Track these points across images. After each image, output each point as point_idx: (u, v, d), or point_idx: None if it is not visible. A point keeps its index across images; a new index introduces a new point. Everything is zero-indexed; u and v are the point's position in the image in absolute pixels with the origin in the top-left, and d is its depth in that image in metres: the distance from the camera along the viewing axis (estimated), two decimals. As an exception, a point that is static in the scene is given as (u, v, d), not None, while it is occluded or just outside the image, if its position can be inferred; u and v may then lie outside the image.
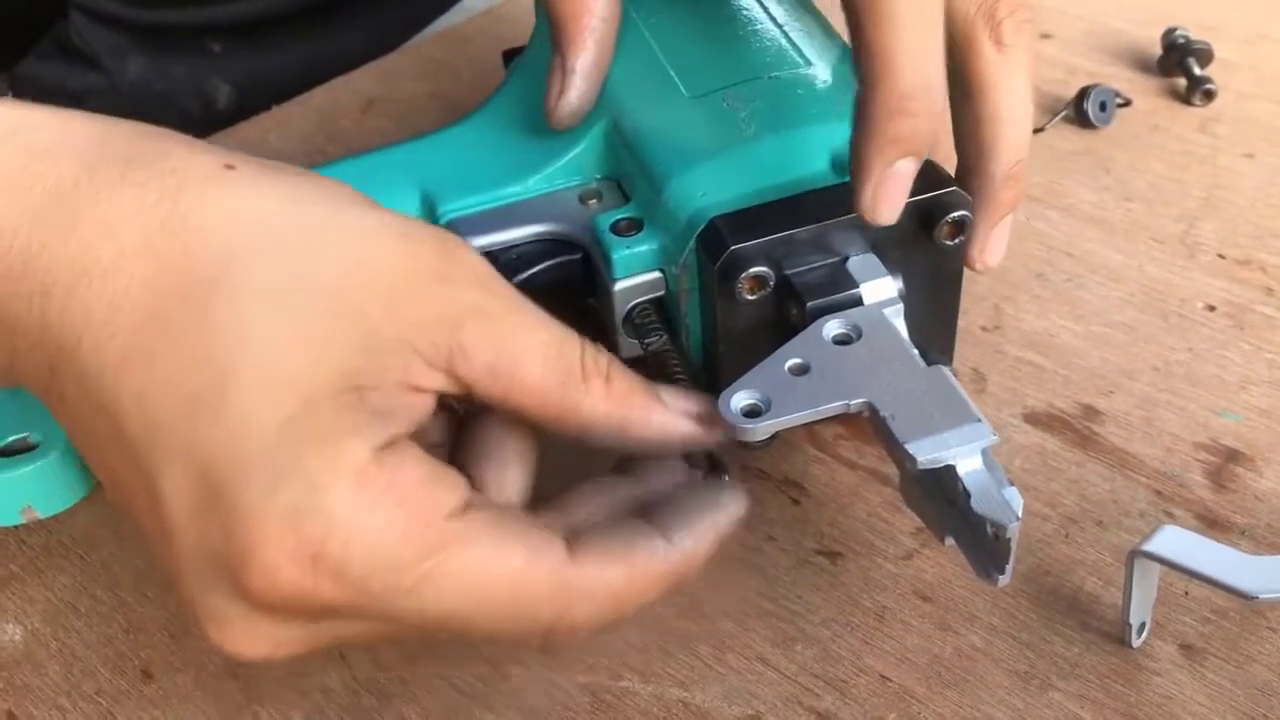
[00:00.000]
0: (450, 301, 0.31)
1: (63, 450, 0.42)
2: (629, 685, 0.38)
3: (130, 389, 0.29)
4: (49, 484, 0.43)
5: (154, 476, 0.29)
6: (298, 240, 0.30)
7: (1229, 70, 0.61)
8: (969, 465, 0.35)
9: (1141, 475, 0.43)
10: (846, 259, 0.40)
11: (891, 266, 0.40)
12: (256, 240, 0.30)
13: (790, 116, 0.41)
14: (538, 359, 0.32)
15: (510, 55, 0.52)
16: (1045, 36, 0.64)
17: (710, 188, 0.40)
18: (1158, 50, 0.63)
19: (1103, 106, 0.59)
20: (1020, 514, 0.34)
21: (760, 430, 0.36)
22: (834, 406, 0.37)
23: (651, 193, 0.41)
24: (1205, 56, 0.61)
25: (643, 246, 0.41)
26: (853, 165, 0.37)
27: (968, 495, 0.35)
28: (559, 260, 0.43)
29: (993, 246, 0.42)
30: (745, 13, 0.45)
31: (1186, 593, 0.40)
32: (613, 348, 0.42)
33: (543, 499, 0.34)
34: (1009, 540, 0.35)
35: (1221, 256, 0.52)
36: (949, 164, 0.41)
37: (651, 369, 0.41)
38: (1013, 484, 0.35)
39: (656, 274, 0.41)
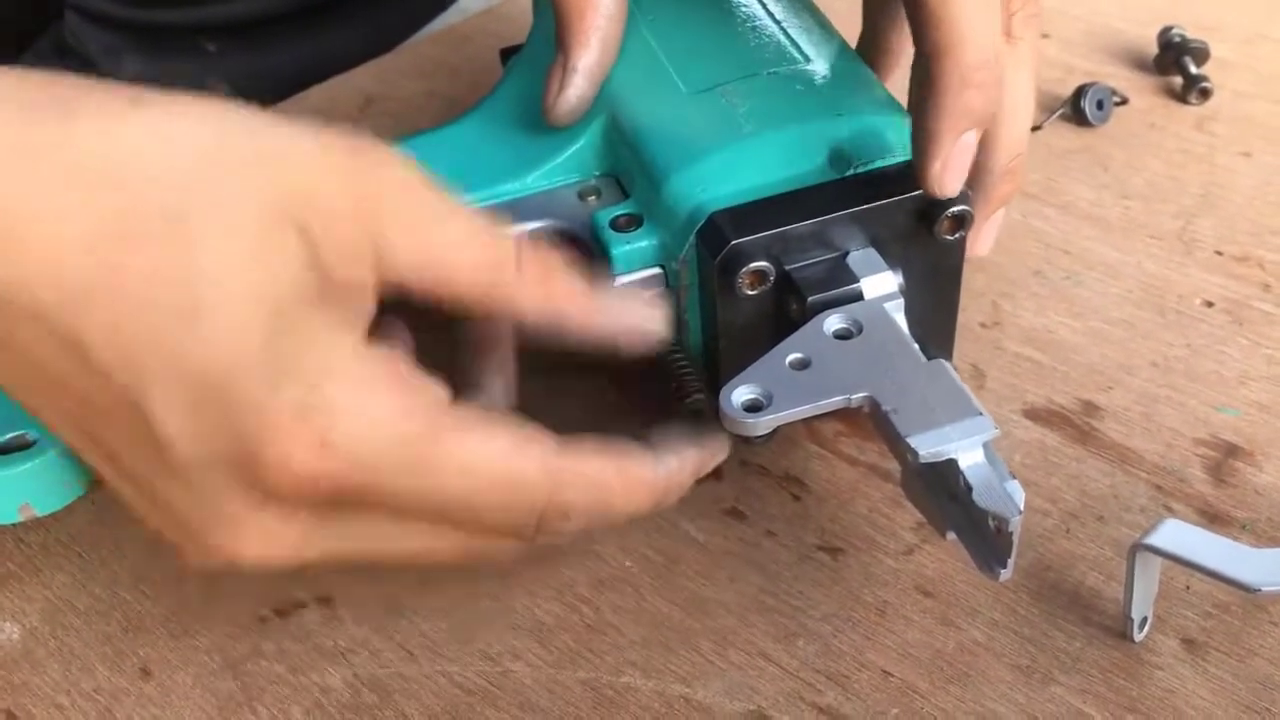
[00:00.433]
0: (372, 204, 0.32)
1: (61, 447, 0.42)
2: (630, 681, 0.38)
3: (97, 320, 0.29)
4: (47, 482, 0.43)
5: (139, 399, 0.30)
6: (230, 166, 0.31)
7: (1225, 69, 0.61)
8: (971, 459, 0.35)
9: (1141, 470, 0.43)
10: (846, 254, 0.40)
11: (892, 261, 0.40)
12: (190, 162, 0.30)
13: (789, 112, 0.41)
14: (465, 248, 0.33)
15: (508, 53, 0.52)
16: (1043, 36, 0.64)
17: (710, 183, 0.40)
18: (1154, 49, 0.63)
19: (1100, 105, 0.59)
20: (1022, 507, 0.34)
21: (762, 425, 0.36)
22: (835, 401, 0.37)
23: (651, 189, 0.41)
24: (1202, 55, 0.61)
25: (643, 242, 0.41)
26: (919, 139, 0.38)
27: (969, 489, 0.35)
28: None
29: (984, 238, 0.43)
30: (744, 9, 0.45)
31: (1188, 587, 0.40)
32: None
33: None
34: (1011, 534, 0.35)
35: (1219, 253, 0.52)
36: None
37: (654, 363, 0.41)
38: (1014, 477, 0.35)
39: (656, 270, 0.41)
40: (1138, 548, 0.36)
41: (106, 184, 0.29)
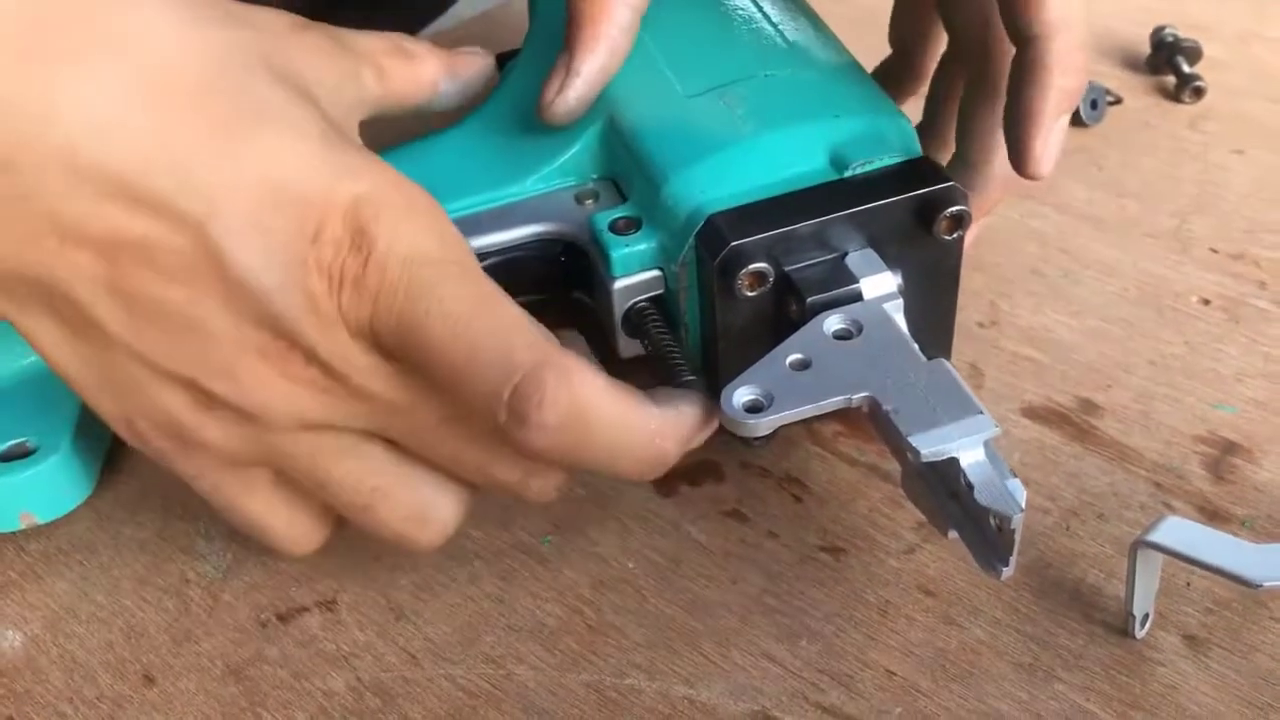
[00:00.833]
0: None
1: (62, 455, 0.42)
2: (634, 683, 0.38)
3: (159, 167, 0.31)
4: (48, 489, 0.43)
5: (199, 217, 0.32)
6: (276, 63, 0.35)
7: (1218, 68, 0.62)
8: (971, 457, 0.35)
9: (1141, 468, 0.44)
10: (845, 254, 0.40)
11: (890, 262, 0.40)
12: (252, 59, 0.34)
13: (787, 114, 0.41)
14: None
15: (504, 59, 0.52)
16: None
17: (709, 185, 0.40)
18: (1147, 49, 0.63)
19: (1094, 105, 0.59)
20: (1024, 505, 0.35)
21: (763, 425, 0.36)
22: (836, 401, 0.37)
23: (650, 191, 0.41)
24: (1194, 54, 0.62)
25: (641, 245, 0.41)
26: (1020, 121, 0.40)
27: (970, 487, 0.35)
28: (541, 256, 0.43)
29: (1052, 151, 0.42)
30: (741, 12, 0.46)
31: (1188, 584, 0.40)
32: (612, 348, 0.43)
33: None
34: (1013, 531, 0.35)
35: (1214, 251, 0.52)
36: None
37: (653, 367, 0.41)
38: (1015, 475, 0.35)
39: (655, 272, 0.41)
40: (1139, 544, 0.37)
41: (169, 73, 0.32)
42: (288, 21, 0.39)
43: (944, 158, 0.47)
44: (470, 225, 0.43)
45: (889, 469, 0.44)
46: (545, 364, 0.33)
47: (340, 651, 0.40)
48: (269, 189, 0.32)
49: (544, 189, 0.44)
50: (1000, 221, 0.54)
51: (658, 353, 0.41)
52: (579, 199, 0.43)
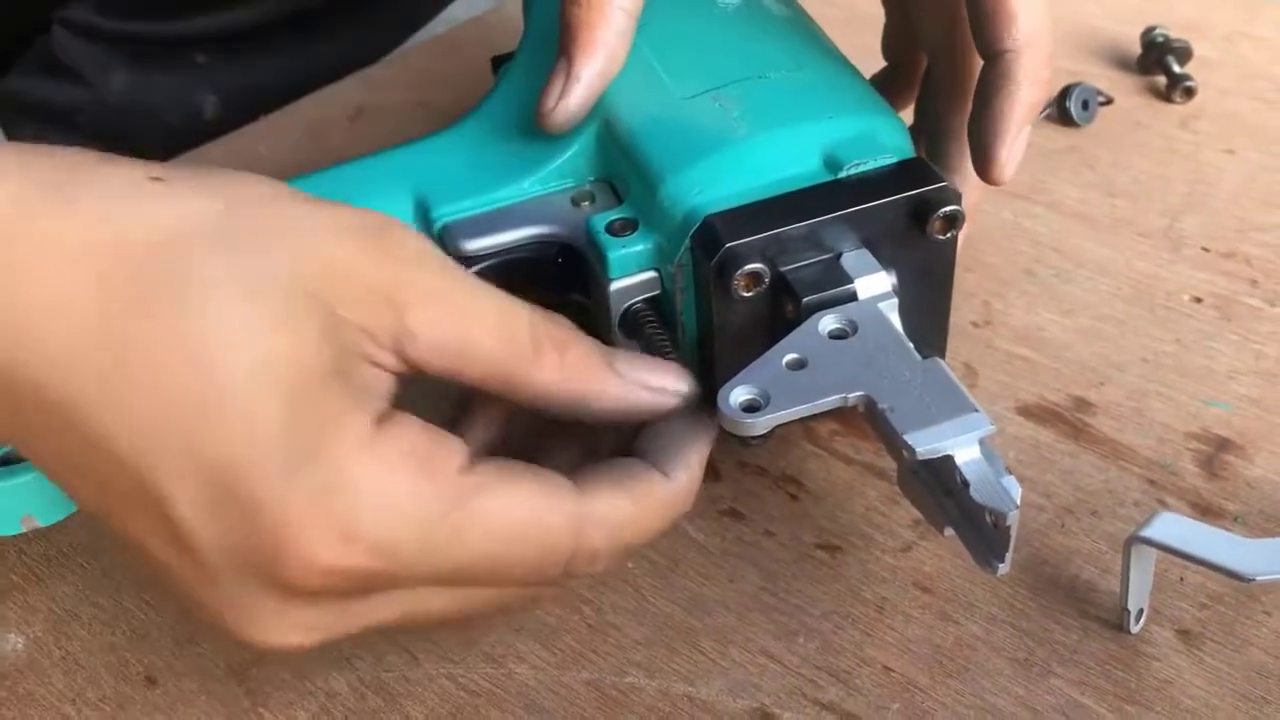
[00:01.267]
0: (393, 286, 0.32)
1: (62, 458, 0.42)
2: (634, 681, 0.39)
3: (115, 411, 0.29)
4: (49, 492, 0.43)
5: (159, 492, 0.29)
6: (244, 239, 0.30)
7: (1208, 68, 0.62)
8: (967, 455, 0.36)
9: (1134, 465, 0.44)
10: (840, 255, 0.40)
11: (885, 262, 0.40)
12: (204, 244, 0.30)
13: (782, 115, 0.41)
14: (484, 333, 0.33)
15: (499, 61, 0.52)
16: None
17: (704, 186, 0.40)
18: (1137, 49, 0.63)
19: (1085, 105, 0.60)
20: (1019, 502, 0.35)
21: (760, 425, 0.37)
22: (832, 400, 0.37)
23: (646, 193, 0.41)
24: (1184, 54, 0.62)
25: (638, 246, 0.41)
26: (987, 128, 0.41)
27: (966, 485, 0.35)
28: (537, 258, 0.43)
29: (1017, 153, 0.42)
30: (735, 14, 0.46)
31: (1182, 579, 0.40)
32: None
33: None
34: (1009, 528, 0.35)
35: (1206, 250, 0.53)
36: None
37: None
38: (1010, 473, 0.36)
39: (652, 273, 0.41)
40: (1133, 540, 0.37)
41: (121, 268, 0.29)
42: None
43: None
44: (467, 228, 0.43)
45: (885, 467, 0.44)
46: (586, 530, 0.33)
47: (341, 652, 0.40)
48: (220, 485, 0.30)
49: (540, 191, 0.44)
50: (993, 222, 0.54)
51: (654, 354, 0.41)
52: (575, 201, 0.44)
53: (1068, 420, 0.46)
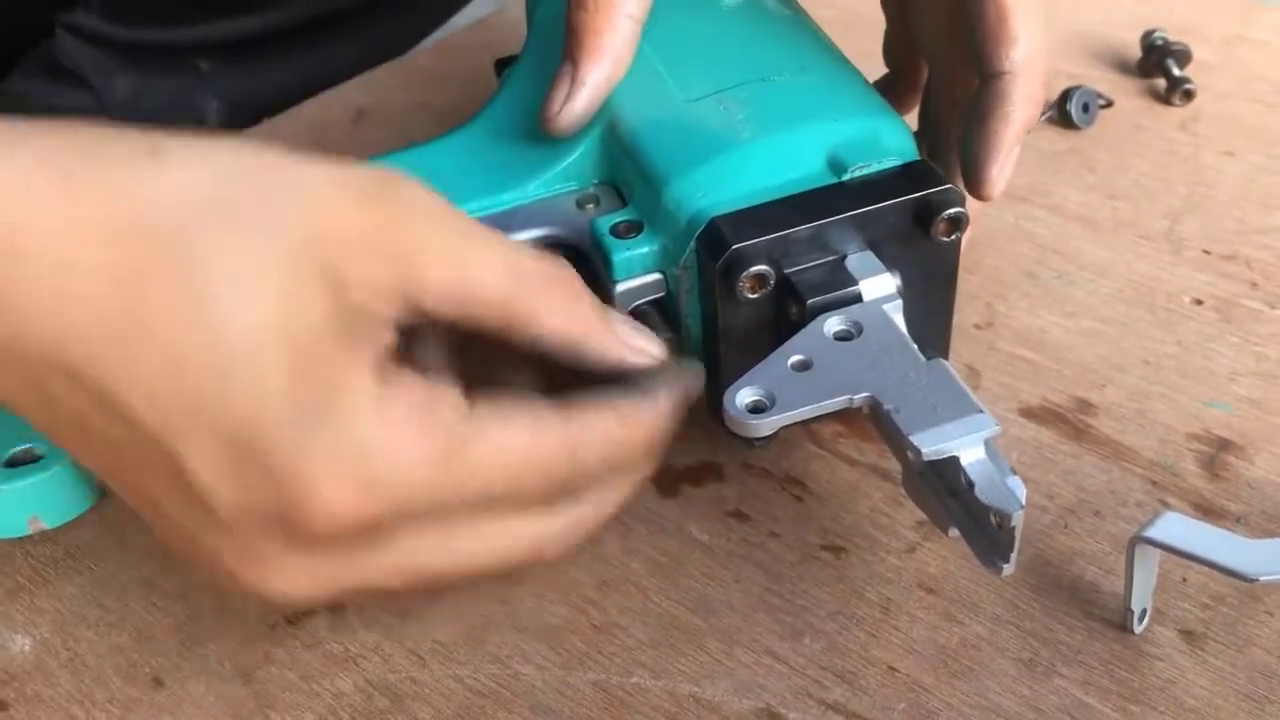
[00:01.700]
0: (402, 239, 0.32)
1: (69, 461, 0.43)
2: (640, 681, 0.39)
3: (130, 376, 0.30)
4: (55, 495, 0.43)
5: (176, 454, 0.30)
6: (249, 202, 0.31)
7: (1207, 71, 0.62)
8: (972, 456, 0.36)
9: (1136, 466, 0.44)
10: (845, 257, 0.40)
11: (889, 264, 0.40)
12: (210, 210, 0.30)
13: (786, 118, 0.42)
14: (491, 273, 0.33)
15: (503, 64, 0.53)
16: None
17: (709, 189, 0.40)
18: (1137, 52, 0.64)
19: (1085, 108, 0.60)
20: (1024, 502, 0.35)
21: (766, 426, 0.37)
22: (838, 401, 0.37)
23: (651, 195, 0.41)
24: (1184, 58, 0.62)
25: (643, 248, 0.41)
26: (982, 145, 0.42)
27: (971, 485, 0.36)
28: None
29: (1008, 171, 0.43)
30: (738, 18, 0.46)
31: (1185, 579, 0.40)
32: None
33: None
34: (1013, 529, 0.35)
35: (1206, 252, 0.53)
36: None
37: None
38: (1015, 473, 0.36)
39: (657, 275, 0.42)
40: (1136, 541, 0.37)
41: (129, 236, 0.30)
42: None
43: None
44: (473, 230, 0.43)
45: (889, 468, 0.44)
46: (578, 451, 0.34)
47: (348, 653, 0.40)
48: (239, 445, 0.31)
49: (545, 194, 0.44)
50: (995, 224, 0.54)
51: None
52: (580, 204, 0.44)
53: (1070, 421, 0.46)
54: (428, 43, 0.74)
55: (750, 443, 0.45)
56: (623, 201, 0.44)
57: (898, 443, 0.37)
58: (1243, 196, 0.56)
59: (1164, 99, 0.62)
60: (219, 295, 0.30)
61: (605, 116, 0.44)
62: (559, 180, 0.44)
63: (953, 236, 0.41)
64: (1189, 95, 0.61)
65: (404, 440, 0.31)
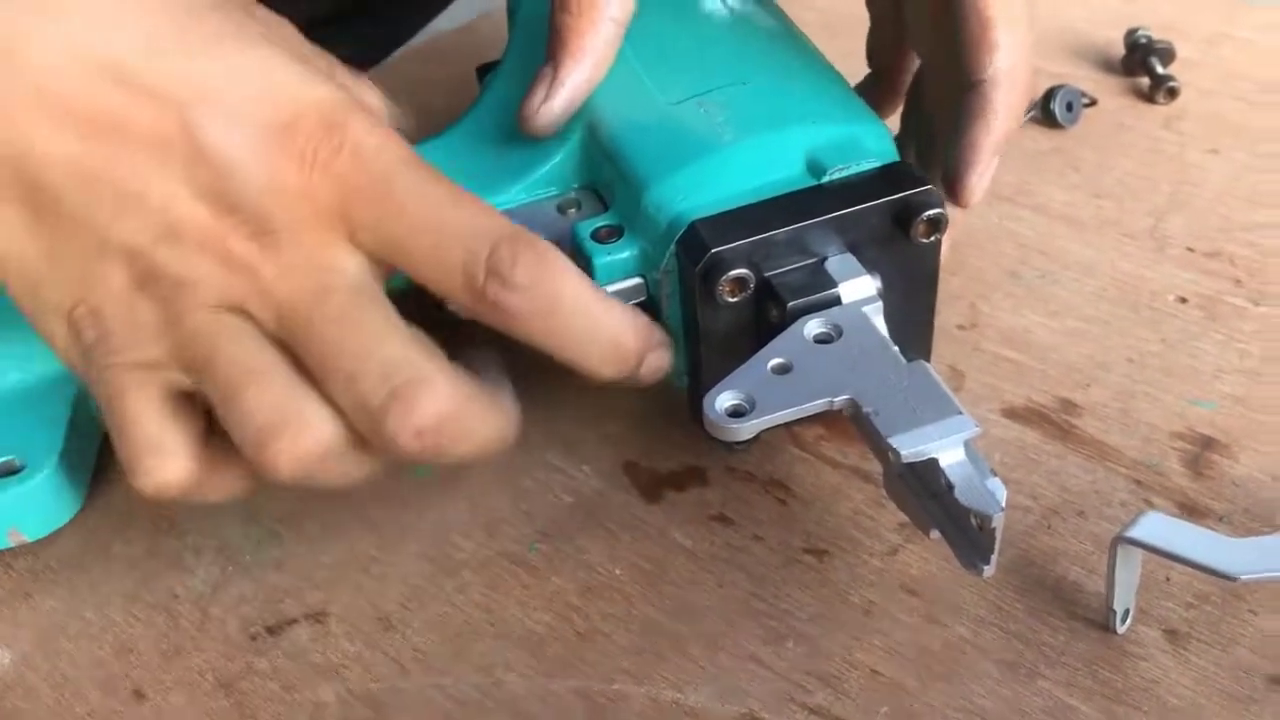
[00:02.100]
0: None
1: (49, 472, 0.42)
2: (622, 688, 0.39)
3: (175, 76, 0.34)
4: (35, 507, 0.43)
5: (191, 120, 0.34)
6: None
7: (1191, 69, 0.62)
8: (952, 457, 0.36)
9: (1120, 466, 0.44)
10: (825, 259, 0.40)
11: (869, 266, 0.40)
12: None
13: (766, 120, 0.41)
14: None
15: (484, 70, 0.52)
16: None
17: (689, 192, 0.40)
18: (1120, 50, 0.64)
19: (1069, 107, 0.60)
20: (1004, 504, 0.35)
21: (746, 429, 0.37)
22: (818, 404, 0.37)
23: (631, 199, 0.41)
24: (1167, 56, 0.62)
25: (624, 253, 0.41)
26: (963, 153, 0.42)
27: (951, 487, 0.36)
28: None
29: (986, 179, 0.44)
30: (719, 21, 0.46)
31: (1168, 579, 0.40)
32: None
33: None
34: (994, 530, 0.35)
35: (1190, 250, 0.53)
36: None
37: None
38: (995, 475, 0.36)
39: (638, 280, 0.41)
40: (1119, 540, 0.37)
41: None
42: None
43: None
44: (453, 236, 0.43)
45: (871, 471, 0.44)
46: (523, 236, 0.36)
47: (330, 663, 0.40)
48: (252, 87, 0.35)
49: (526, 199, 0.44)
50: (978, 224, 0.54)
51: None
52: (561, 208, 0.44)
53: (1054, 421, 0.46)
54: (409, 48, 0.74)
55: (732, 446, 0.45)
56: (604, 206, 0.44)
57: (878, 445, 0.37)
58: (1227, 194, 0.56)
59: (1148, 97, 0.62)
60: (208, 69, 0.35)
61: (585, 120, 0.43)
62: (540, 185, 0.44)
63: (932, 238, 0.41)
64: (1173, 93, 0.61)
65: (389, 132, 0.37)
